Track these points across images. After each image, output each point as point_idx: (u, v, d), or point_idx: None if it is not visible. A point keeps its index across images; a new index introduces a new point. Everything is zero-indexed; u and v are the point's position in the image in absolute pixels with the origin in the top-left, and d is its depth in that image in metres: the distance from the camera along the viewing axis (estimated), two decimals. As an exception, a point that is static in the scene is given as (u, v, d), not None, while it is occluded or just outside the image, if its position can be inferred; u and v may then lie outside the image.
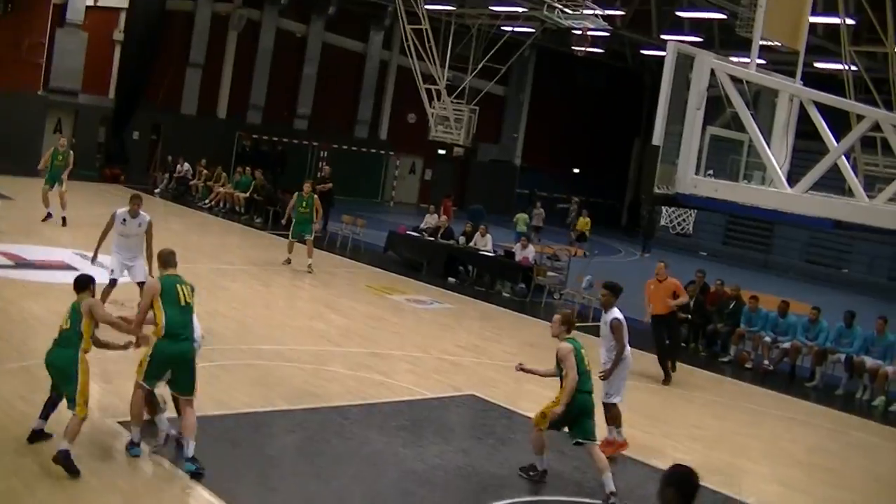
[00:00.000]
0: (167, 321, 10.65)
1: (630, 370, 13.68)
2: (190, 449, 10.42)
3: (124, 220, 16.38)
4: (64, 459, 9.83)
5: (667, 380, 18.23)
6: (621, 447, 13.30)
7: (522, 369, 12.03)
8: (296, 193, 25.44)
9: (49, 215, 25.90)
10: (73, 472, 9.81)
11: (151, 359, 10.62)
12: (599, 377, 12.59)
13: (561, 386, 11.41)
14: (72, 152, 27.63)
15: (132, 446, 10.67)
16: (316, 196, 25.40)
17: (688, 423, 16.05)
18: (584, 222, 40.13)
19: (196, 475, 10.24)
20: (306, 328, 18.87)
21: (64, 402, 10.32)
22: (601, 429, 12.53)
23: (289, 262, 24.64)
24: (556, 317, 11.79)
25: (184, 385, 10.79)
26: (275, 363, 15.41)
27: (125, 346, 11.18)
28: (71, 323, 10.49)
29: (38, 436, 10.60)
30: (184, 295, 10.89)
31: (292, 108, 47.41)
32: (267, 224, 32.87)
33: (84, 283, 10.76)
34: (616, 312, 13.17)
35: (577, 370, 11.34)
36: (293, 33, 46.93)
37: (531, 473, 11.84)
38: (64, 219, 25.74)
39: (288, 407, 13.12)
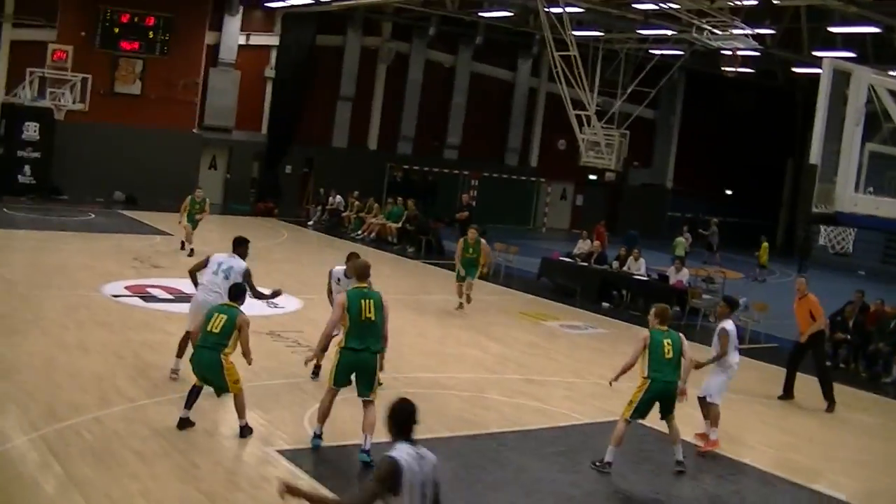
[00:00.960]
0: (347, 333, 11.88)
1: (733, 379, 14.64)
2: (367, 443, 11.66)
3: (338, 279, 15.40)
4: (246, 431, 12.20)
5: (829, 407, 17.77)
6: (713, 445, 14.08)
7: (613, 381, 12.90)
8: (461, 240, 25.01)
9: (192, 251, 26.62)
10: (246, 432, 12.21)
11: (336, 365, 11.96)
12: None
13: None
14: (208, 199, 28.92)
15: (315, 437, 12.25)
16: (483, 241, 24.95)
17: (852, 446, 15.65)
18: (764, 249, 38.98)
19: (367, 465, 11.27)
20: (462, 355, 18.96)
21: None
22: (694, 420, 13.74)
23: (461, 306, 24.21)
24: (653, 310, 12.96)
25: (362, 389, 11.92)
26: (432, 391, 15.52)
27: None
28: (222, 330, 11.62)
29: (184, 423, 12.13)
30: (365, 309, 11.81)
31: (442, 138, 47.87)
32: (419, 253, 33.13)
33: (238, 294, 11.66)
34: (726, 323, 14.50)
35: (651, 357, 12.49)
36: (441, 64, 47.46)
37: (598, 464, 12.59)
38: (192, 249, 26.72)
39: (446, 434, 13.17)
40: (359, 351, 11.80)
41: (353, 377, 11.98)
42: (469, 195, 38.78)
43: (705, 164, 54.87)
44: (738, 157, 54.90)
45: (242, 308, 12.37)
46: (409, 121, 46.68)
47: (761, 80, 50.23)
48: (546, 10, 32.66)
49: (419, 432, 13.00)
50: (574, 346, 21.52)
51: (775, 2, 30.69)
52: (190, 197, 27.98)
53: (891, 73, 13.20)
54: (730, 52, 35.25)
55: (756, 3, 29.26)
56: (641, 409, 12.54)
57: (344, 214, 38.69)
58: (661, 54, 41.42)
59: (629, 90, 39.20)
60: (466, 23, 44.32)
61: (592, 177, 45.84)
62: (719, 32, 31.63)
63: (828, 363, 18.59)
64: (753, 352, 22.98)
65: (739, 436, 15.30)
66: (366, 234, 36.25)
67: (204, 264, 14.60)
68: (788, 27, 37.75)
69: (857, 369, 21.62)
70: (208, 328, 11.97)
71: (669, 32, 36.63)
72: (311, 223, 39.02)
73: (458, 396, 15.46)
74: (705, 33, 31.26)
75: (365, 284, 12.25)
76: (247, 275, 14.07)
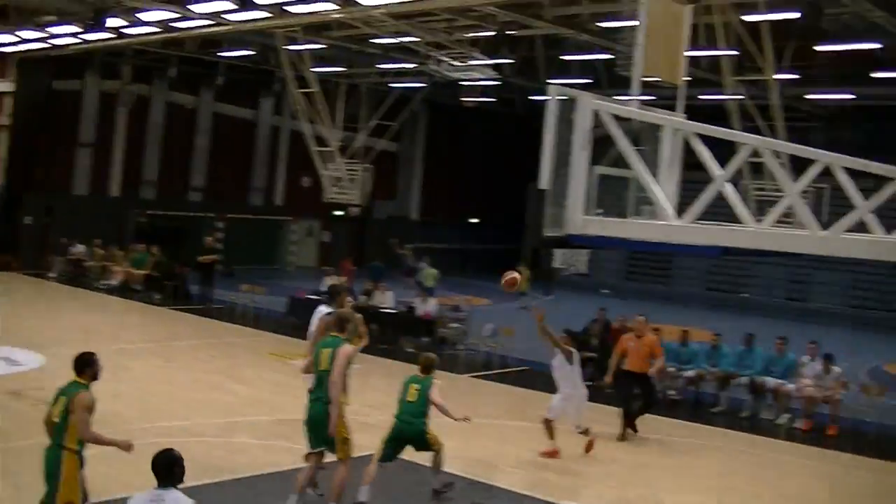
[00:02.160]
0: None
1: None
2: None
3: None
4: None
5: (623, 436, 18.07)
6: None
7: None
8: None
9: None
10: None
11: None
12: None
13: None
14: None
15: None
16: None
17: (602, 459, 16.03)
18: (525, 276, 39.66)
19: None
20: (211, 400, 18.58)
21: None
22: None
23: None
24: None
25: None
26: (180, 439, 15.09)
27: None
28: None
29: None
30: (323, 359, 12.55)
31: (186, 181, 46.93)
32: (167, 300, 32.40)
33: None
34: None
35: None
36: (183, 105, 46.56)
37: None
38: None
39: (195, 483, 12.81)
40: (312, 401, 12.67)
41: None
42: (213, 237, 38.17)
43: (451, 194, 55.76)
44: (483, 185, 56.01)
45: None
46: (152, 165, 45.52)
47: (502, 108, 51.41)
48: (286, 48, 32.62)
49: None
50: (325, 383, 21.30)
51: (511, 32, 31.39)
52: None
53: (621, 97, 13.57)
54: (468, 83, 35.88)
55: (493, 33, 29.84)
56: (387, 451, 12.83)
57: (87, 264, 37.55)
58: (403, 87, 41.90)
59: (371, 124, 39.51)
60: (207, 63, 43.71)
61: (338, 212, 45.84)
62: (458, 64, 32.19)
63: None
64: (504, 376, 23.43)
65: (492, 459, 15.48)
66: (112, 282, 35.31)
67: None
68: (525, 56, 38.72)
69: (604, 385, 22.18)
70: None
71: (409, 65, 37.09)
72: (52, 275, 37.71)
73: (208, 443, 15.14)
74: (444, 65, 31.76)
75: (338, 335, 12.81)
76: None
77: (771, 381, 21.01)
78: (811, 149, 10.54)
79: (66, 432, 9.75)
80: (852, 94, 40.18)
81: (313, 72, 33.59)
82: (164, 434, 15.16)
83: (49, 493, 9.78)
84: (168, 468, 8.04)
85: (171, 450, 8.13)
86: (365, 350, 25.04)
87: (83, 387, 10.01)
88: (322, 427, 12.15)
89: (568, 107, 11.65)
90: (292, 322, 28.90)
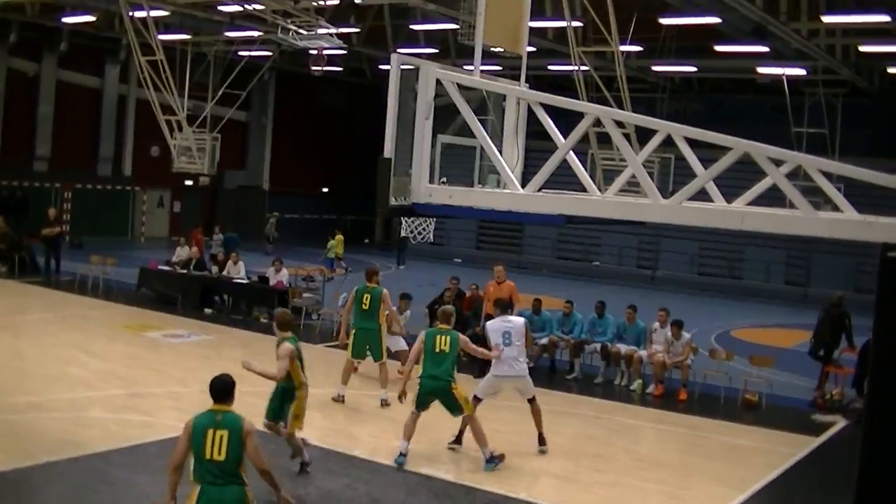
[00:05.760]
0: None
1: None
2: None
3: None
4: None
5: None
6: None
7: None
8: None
9: None
10: None
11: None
12: None
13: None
14: None
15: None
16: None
17: (453, 428, 16.27)
18: (338, 241, 40.18)
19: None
20: (62, 375, 18.23)
21: None
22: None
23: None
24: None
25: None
26: (30, 415, 14.95)
27: None
28: None
29: None
30: (440, 343, 14.35)
31: (31, 150, 45.77)
32: (13, 272, 31.68)
33: None
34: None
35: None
36: (25, 73, 45.35)
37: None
38: None
39: (46, 459, 12.73)
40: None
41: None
42: (57, 209, 37.36)
43: (302, 163, 55.57)
44: (334, 154, 55.96)
45: None
46: (-8, 134, 44.47)
47: (351, 77, 51.39)
48: (129, 13, 32.03)
49: (16, 459, 12.57)
50: (178, 356, 21.22)
51: (358, 1, 31.35)
52: None
53: (466, 67, 13.72)
54: (316, 52, 35.75)
55: (339, 2, 29.78)
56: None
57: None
58: (250, 56, 41.50)
59: (220, 93, 39.06)
60: (49, 29, 42.65)
61: (188, 182, 45.33)
62: (304, 32, 31.99)
63: None
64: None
65: (350, 429, 15.64)
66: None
67: None
68: (373, 25, 38.76)
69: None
70: None
71: (256, 34, 36.81)
72: None
73: (59, 418, 14.95)
74: (291, 33, 31.55)
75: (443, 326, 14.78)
76: None
77: (623, 348, 21.53)
78: (652, 119, 10.76)
79: None
80: (695, 66, 41.16)
81: (159, 39, 33.10)
82: (15, 410, 15.02)
83: None
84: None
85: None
86: (219, 321, 25.25)
87: None
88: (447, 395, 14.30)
89: (412, 76, 11.72)
90: (144, 294, 28.64)
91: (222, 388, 9.24)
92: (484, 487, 13.49)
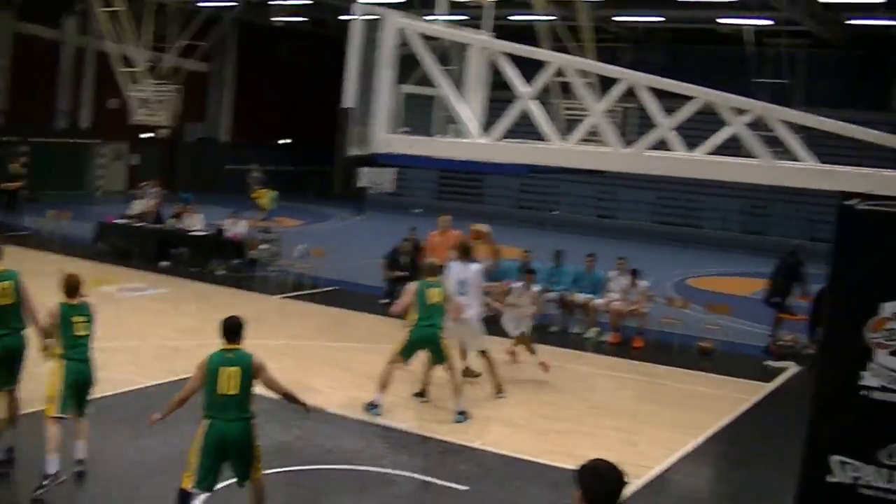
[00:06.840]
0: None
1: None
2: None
3: None
4: None
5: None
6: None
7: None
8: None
9: None
10: None
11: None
12: None
13: None
14: None
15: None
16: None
17: (416, 375, 16.15)
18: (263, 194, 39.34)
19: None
20: (16, 331, 18.00)
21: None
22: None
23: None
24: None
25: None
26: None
27: None
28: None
29: None
30: (431, 296, 14.59)
31: (-14, 104, 45.15)
32: (-28, 228, 31.19)
33: None
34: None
35: None
36: (-20, 26, 44.65)
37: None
38: None
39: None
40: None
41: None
42: (19, 163, 36.85)
43: (263, 115, 55.08)
44: (295, 106, 55.45)
45: None
46: (-53, 86, 43.77)
47: (314, 28, 50.95)
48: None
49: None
50: (135, 310, 20.99)
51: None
52: None
53: (426, 17, 13.53)
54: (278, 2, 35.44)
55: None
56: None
57: None
58: (212, 6, 41.11)
59: (181, 44, 38.69)
60: (6, -21, 42.02)
61: (146, 135, 44.82)
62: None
63: None
64: (315, 296, 23.49)
65: (306, 380, 15.54)
66: None
67: None
68: (337, -26, 38.41)
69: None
70: None
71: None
72: None
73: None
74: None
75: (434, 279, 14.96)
76: None
77: (580, 297, 21.59)
78: (614, 67, 10.69)
79: None
80: (660, 16, 41.06)
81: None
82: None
83: None
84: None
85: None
86: (176, 274, 25.04)
87: None
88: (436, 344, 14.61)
89: (374, 25, 11.56)
90: (102, 248, 28.31)
91: (232, 328, 9.73)
92: (437, 436, 13.53)
